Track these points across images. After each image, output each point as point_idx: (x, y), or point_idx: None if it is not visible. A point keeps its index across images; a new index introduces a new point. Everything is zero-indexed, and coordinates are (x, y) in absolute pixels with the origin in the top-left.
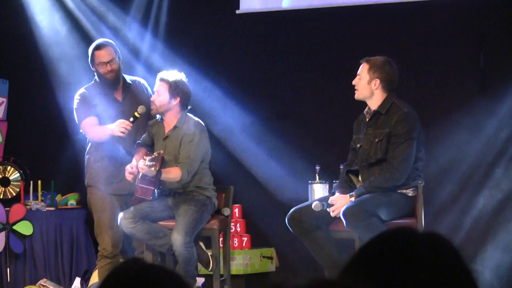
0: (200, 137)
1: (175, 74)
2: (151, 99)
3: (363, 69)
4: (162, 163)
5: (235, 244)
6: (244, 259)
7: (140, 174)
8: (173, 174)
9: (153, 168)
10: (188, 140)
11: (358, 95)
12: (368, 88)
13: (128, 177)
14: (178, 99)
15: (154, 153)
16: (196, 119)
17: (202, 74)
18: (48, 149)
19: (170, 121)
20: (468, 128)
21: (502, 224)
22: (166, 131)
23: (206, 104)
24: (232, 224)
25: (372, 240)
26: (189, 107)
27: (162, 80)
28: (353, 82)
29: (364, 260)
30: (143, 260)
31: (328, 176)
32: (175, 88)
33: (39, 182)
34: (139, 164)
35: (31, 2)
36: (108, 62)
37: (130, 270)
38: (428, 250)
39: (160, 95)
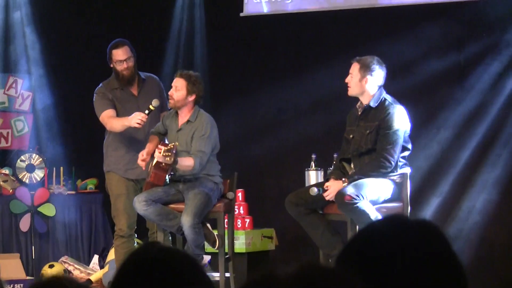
0: (211, 132)
1: (192, 73)
2: (169, 93)
3: (354, 68)
4: (176, 153)
5: (239, 225)
6: (246, 239)
7: (155, 161)
8: (187, 163)
9: (168, 158)
10: (200, 134)
11: (351, 92)
12: (359, 85)
13: (141, 163)
14: (194, 96)
15: (170, 144)
16: (207, 114)
17: (208, 72)
18: (69, 138)
19: (184, 115)
20: (449, 120)
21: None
22: (180, 124)
23: (215, 101)
24: (236, 207)
25: (365, 228)
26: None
27: (181, 76)
28: (346, 80)
29: (358, 247)
30: (160, 243)
31: (323, 164)
32: (192, 86)
33: (61, 168)
34: (155, 153)
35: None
36: (124, 60)
37: (149, 252)
38: (419, 238)
39: (178, 91)
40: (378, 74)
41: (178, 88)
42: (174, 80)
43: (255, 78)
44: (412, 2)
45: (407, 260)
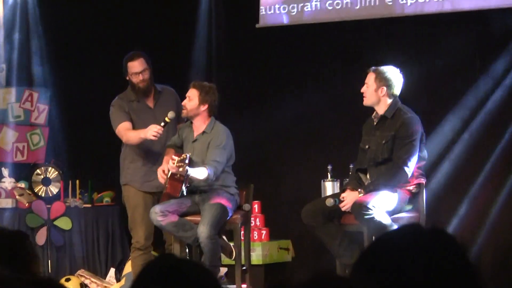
0: (226, 142)
1: (206, 83)
2: (182, 103)
3: (370, 78)
4: (190, 163)
5: (255, 236)
6: (263, 250)
7: (170, 173)
8: (200, 173)
9: (181, 169)
10: (216, 144)
11: (367, 102)
12: (375, 95)
13: (161, 179)
14: (206, 106)
15: (183, 155)
16: (223, 126)
17: (224, 83)
18: (85, 151)
19: (199, 125)
20: (464, 130)
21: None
22: (195, 134)
23: (231, 112)
24: (252, 218)
25: (381, 237)
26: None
27: (194, 86)
28: (362, 90)
29: (373, 256)
30: (175, 255)
31: (339, 174)
32: (204, 95)
33: (77, 181)
34: (169, 164)
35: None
36: (140, 72)
37: (164, 264)
38: (434, 246)
39: (190, 100)
40: (394, 84)
41: (191, 98)
42: (188, 91)
43: (271, 89)
44: (429, 11)
45: (422, 269)
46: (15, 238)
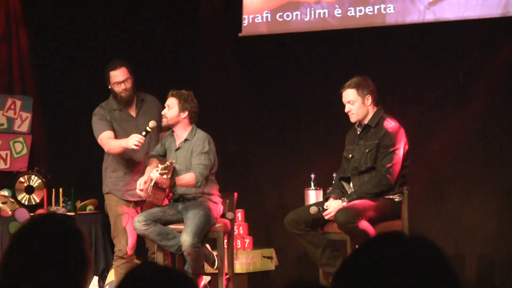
0: (209, 148)
1: (184, 91)
2: (162, 112)
3: (352, 94)
4: (174, 172)
5: (238, 245)
6: (246, 259)
7: (153, 181)
8: (188, 179)
9: (165, 176)
10: (199, 150)
11: (358, 117)
12: (363, 107)
13: (139, 193)
14: (186, 113)
15: (167, 163)
16: (205, 132)
17: (207, 91)
18: (68, 160)
19: (180, 133)
20: (447, 139)
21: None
22: (178, 143)
23: (215, 120)
24: (235, 227)
25: (362, 245)
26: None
27: (172, 95)
28: (346, 110)
29: (355, 264)
30: (157, 263)
31: (322, 183)
32: (184, 103)
33: (61, 189)
34: (153, 173)
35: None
36: (122, 82)
37: (145, 272)
38: (416, 254)
39: (170, 109)
40: (374, 89)
41: (170, 107)
42: (167, 100)
43: (254, 98)
44: (411, 21)
45: (404, 277)
46: (66, 221)
